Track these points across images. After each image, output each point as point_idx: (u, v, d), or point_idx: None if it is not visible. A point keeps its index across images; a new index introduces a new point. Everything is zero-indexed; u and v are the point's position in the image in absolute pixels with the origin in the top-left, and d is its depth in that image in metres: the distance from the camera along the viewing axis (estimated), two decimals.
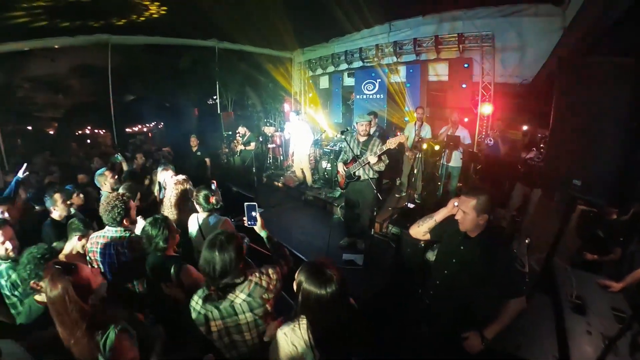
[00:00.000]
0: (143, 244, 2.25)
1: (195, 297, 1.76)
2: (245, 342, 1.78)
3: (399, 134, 4.08)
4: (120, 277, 2.37)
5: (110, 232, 2.44)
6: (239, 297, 1.70)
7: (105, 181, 3.78)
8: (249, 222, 2.22)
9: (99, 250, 2.39)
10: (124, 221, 2.48)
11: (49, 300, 1.49)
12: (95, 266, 2.39)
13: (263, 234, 2.25)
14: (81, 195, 3.72)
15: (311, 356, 1.43)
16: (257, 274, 1.79)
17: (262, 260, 2.13)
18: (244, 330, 1.75)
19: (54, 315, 1.48)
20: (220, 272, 1.65)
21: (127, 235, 2.47)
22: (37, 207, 3.76)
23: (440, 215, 2.19)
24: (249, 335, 1.77)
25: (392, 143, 3.87)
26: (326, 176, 7.32)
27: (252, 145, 7.96)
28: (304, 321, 1.45)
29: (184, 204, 3.24)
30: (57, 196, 3.12)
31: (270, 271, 1.83)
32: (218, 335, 1.74)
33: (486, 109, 6.70)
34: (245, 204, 2.21)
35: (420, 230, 2.29)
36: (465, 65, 7.10)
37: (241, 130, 8.45)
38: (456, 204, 2.04)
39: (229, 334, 1.75)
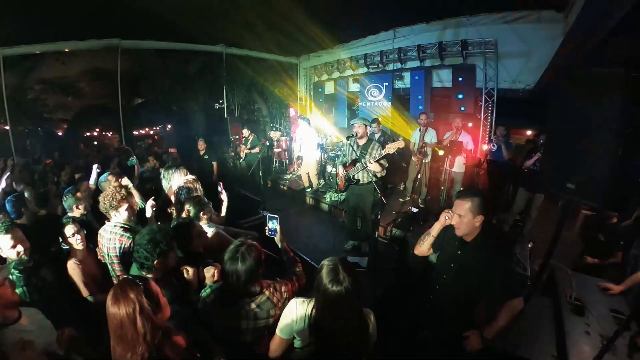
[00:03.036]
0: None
1: (208, 290, 1.85)
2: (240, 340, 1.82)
3: (400, 139, 4.10)
4: None
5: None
6: (250, 305, 1.76)
7: (109, 187, 3.68)
8: (270, 233, 2.31)
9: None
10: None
11: (112, 311, 1.26)
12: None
13: (280, 245, 2.32)
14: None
15: (303, 333, 1.57)
16: (271, 289, 1.84)
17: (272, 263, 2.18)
18: (244, 334, 1.78)
19: (115, 327, 1.26)
20: (244, 281, 1.71)
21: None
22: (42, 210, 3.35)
23: (435, 229, 2.25)
24: (244, 338, 1.80)
25: (391, 148, 3.83)
26: (331, 180, 7.39)
27: (257, 149, 8.01)
28: (312, 302, 1.57)
29: None
30: (79, 195, 2.98)
31: (283, 289, 1.89)
32: (217, 328, 1.80)
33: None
34: (268, 215, 2.32)
35: (423, 248, 2.37)
36: (459, 79, 7.25)
37: (245, 132, 8.33)
38: (447, 218, 2.11)
39: (228, 328, 1.79)
